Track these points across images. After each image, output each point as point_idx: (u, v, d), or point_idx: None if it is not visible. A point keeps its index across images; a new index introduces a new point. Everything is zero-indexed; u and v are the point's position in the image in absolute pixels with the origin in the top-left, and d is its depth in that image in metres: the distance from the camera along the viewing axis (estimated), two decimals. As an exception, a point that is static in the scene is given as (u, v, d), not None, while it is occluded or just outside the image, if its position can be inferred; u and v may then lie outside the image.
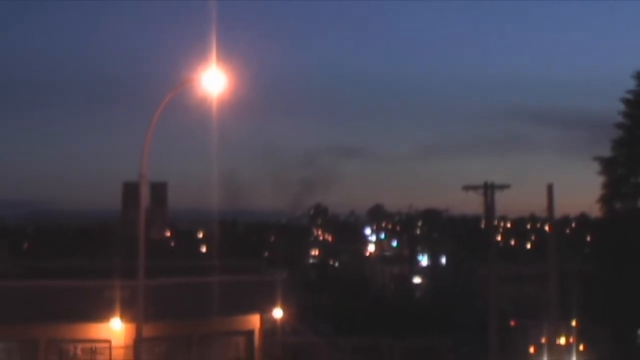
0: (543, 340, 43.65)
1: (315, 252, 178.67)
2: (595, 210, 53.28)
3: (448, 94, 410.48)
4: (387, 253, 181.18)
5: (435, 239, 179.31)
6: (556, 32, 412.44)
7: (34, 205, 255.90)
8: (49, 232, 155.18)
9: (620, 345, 45.52)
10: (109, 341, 34.84)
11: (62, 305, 33.82)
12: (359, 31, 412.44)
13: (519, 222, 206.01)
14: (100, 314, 34.02)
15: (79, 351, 35.23)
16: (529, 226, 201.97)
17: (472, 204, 44.57)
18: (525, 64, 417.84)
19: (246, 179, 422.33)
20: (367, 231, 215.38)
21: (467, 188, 43.18)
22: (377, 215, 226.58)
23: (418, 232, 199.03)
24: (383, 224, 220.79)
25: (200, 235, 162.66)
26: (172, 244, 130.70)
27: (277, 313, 42.88)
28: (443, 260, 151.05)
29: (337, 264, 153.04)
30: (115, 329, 34.21)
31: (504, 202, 79.28)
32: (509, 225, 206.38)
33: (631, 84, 47.67)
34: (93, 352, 35.05)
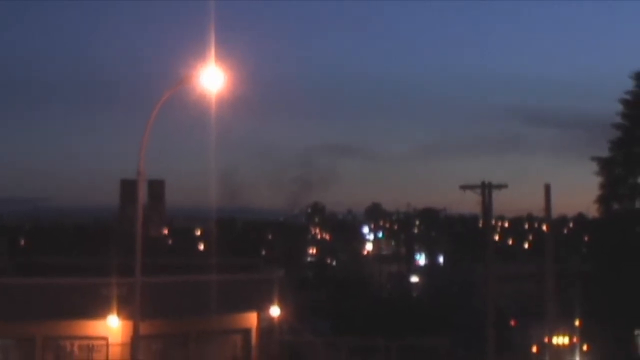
0: (546, 340, 43.58)
1: (312, 250, 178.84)
2: (592, 211, 53.46)
3: (446, 94, 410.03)
4: (384, 252, 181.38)
5: (432, 238, 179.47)
6: (555, 32, 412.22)
7: (32, 203, 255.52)
8: (47, 229, 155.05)
9: (620, 345, 45.59)
10: (105, 339, 34.86)
11: (59, 303, 33.82)
12: (358, 30, 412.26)
13: (516, 222, 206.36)
14: (97, 311, 34.01)
15: (75, 348, 35.23)
16: (526, 226, 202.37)
17: (470, 204, 44.56)
18: (524, 64, 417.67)
19: (244, 177, 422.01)
20: (365, 230, 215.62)
21: (464, 187, 43.19)
22: (374, 214, 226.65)
23: (416, 231, 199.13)
24: (381, 223, 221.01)
25: (198, 233, 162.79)
26: (170, 241, 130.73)
27: (275, 311, 42.86)
28: (440, 259, 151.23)
29: (334, 263, 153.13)
30: (112, 326, 34.21)
31: (501, 202, 79.29)
32: (506, 224, 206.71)
33: (630, 85, 47.77)
34: (90, 349, 35.06)
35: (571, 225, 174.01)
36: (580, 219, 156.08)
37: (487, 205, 43.01)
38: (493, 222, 50.78)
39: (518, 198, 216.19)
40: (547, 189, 41.50)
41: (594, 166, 47.82)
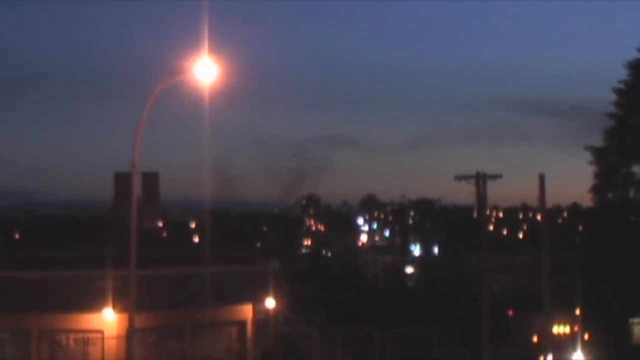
0: (547, 330, 43.63)
1: (307, 242, 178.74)
2: (587, 200, 53.43)
3: (441, 85, 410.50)
4: (379, 243, 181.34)
5: (427, 229, 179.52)
6: (549, 22, 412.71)
7: (26, 196, 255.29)
8: (41, 223, 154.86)
9: (616, 333, 45.69)
10: (101, 331, 34.86)
11: (54, 296, 33.82)
12: (350, 22, 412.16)
13: (511, 212, 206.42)
14: (92, 304, 34.02)
15: (71, 341, 35.23)
16: (521, 216, 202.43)
17: (464, 194, 44.71)
18: (518, 55, 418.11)
19: (238, 169, 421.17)
20: (360, 221, 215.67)
21: (459, 178, 43.16)
22: (369, 205, 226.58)
23: (410, 221, 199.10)
24: (375, 214, 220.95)
25: (193, 225, 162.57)
26: (165, 234, 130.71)
27: (270, 303, 42.95)
28: (435, 250, 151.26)
29: (329, 254, 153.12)
30: (108, 319, 34.22)
31: (496, 192, 79.35)
32: (501, 214, 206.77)
33: (623, 74, 47.69)
34: (85, 342, 35.05)
35: (565, 214, 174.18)
36: (574, 208, 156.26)
37: (481, 196, 43.03)
38: (487, 212, 50.76)
39: (512, 188, 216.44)
40: (542, 178, 41.52)
41: (588, 156, 47.79)
